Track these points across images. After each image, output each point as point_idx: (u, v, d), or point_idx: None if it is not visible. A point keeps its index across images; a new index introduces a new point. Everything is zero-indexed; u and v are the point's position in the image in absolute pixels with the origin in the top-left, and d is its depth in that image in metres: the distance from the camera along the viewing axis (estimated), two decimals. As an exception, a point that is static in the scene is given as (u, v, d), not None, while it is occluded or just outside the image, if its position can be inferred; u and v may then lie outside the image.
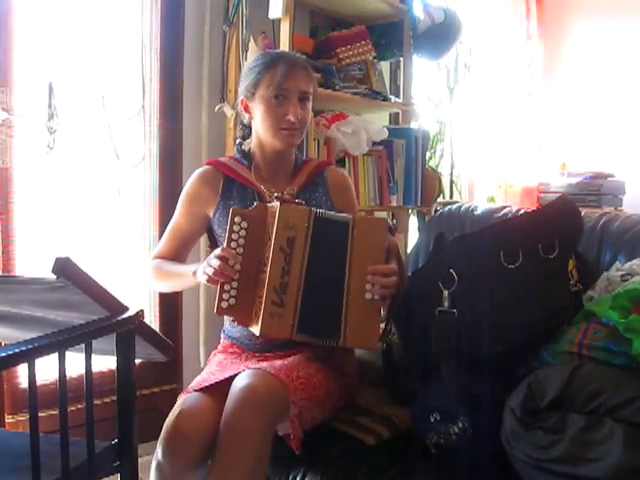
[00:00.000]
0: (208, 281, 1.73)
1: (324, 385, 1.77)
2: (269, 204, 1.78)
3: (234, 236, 1.74)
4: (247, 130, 2.04)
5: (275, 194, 1.82)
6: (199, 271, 1.76)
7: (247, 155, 2.01)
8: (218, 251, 1.71)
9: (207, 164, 2.03)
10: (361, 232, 1.73)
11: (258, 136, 1.96)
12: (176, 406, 1.71)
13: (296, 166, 2.02)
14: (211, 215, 1.96)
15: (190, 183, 2.00)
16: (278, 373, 1.68)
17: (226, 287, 1.73)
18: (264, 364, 1.75)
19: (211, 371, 1.84)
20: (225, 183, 1.96)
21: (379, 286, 1.71)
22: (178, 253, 2.01)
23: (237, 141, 2.08)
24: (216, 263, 1.69)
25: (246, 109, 1.95)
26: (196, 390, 1.75)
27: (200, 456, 1.64)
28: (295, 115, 1.87)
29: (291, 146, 1.95)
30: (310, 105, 1.94)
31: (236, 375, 1.71)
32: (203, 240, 2.10)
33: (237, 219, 1.74)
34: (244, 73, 1.96)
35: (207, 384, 1.74)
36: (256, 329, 1.72)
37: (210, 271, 1.70)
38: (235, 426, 1.60)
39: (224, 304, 1.73)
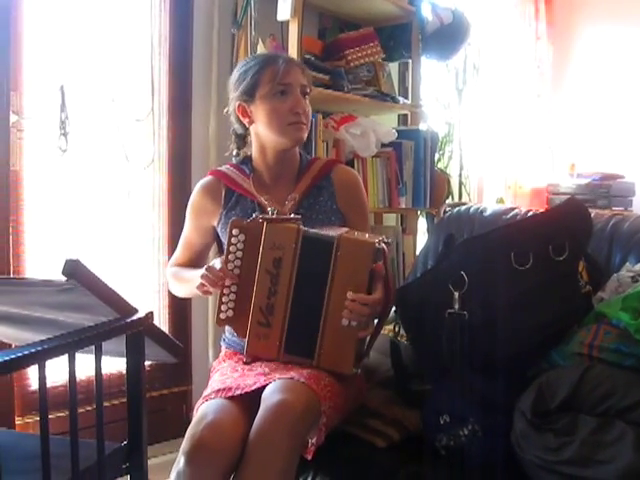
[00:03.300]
0: (204, 293, 1.78)
1: (344, 391, 1.75)
2: (259, 219, 1.75)
3: (232, 248, 1.73)
4: (240, 140, 2.02)
5: (269, 209, 1.82)
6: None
7: (247, 163, 1.98)
8: (216, 263, 1.73)
9: (209, 174, 2.01)
10: (345, 254, 1.68)
11: (260, 140, 1.93)
12: (198, 415, 1.62)
13: (301, 167, 1.98)
14: (215, 225, 1.96)
15: (194, 195, 2.00)
16: (311, 383, 1.63)
17: (224, 299, 1.74)
18: (292, 372, 1.68)
19: (227, 377, 1.76)
20: (226, 193, 1.95)
21: (356, 314, 1.67)
22: (193, 261, 2.02)
23: (234, 153, 2.05)
24: (211, 275, 1.71)
25: (244, 114, 1.91)
26: (217, 398, 1.67)
27: (226, 469, 1.56)
28: (302, 107, 1.87)
29: (300, 141, 1.91)
30: (308, 101, 1.92)
31: (262, 385, 1.64)
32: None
33: (235, 231, 1.73)
34: (236, 78, 1.92)
35: (232, 394, 1.66)
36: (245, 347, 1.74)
37: (205, 282, 1.73)
38: (267, 443, 1.53)
39: (222, 315, 1.75)
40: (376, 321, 1.78)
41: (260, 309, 1.69)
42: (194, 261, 2.02)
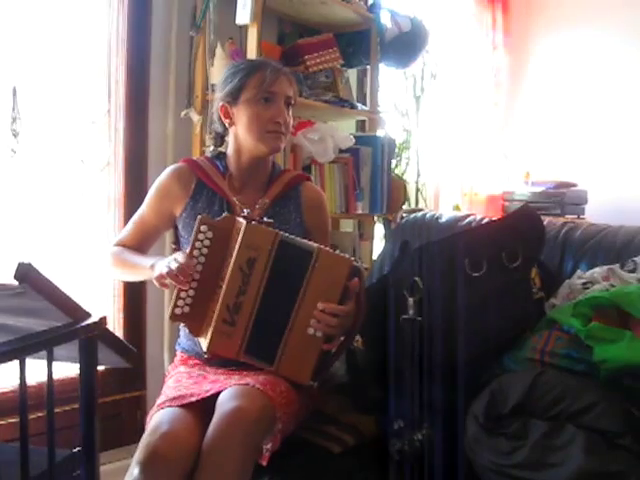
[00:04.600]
0: (161, 285, 1.72)
1: (299, 398, 1.75)
2: (238, 218, 1.75)
3: (197, 244, 1.72)
4: (219, 140, 2.02)
5: (245, 210, 1.80)
6: (156, 269, 1.74)
7: (222, 160, 1.98)
8: (179, 255, 1.70)
9: (183, 162, 2.00)
10: (322, 266, 1.68)
11: (238, 142, 1.93)
12: (152, 425, 1.61)
13: (272, 176, 1.99)
14: (177, 214, 1.94)
15: (162, 178, 1.98)
16: (266, 389, 1.63)
17: (182, 294, 1.72)
18: (247, 379, 1.68)
19: (182, 384, 1.75)
20: (197, 185, 1.94)
21: (324, 324, 1.67)
22: (140, 244, 1.98)
23: (211, 148, 2.05)
24: (174, 266, 1.67)
25: (226, 115, 1.92)
26: (171, 406, 1.66)
27: (180, 479, 1.55)
28: (283, 117, 1.88)
29: (276, 150, 1.93)
30: (291, 112, 1.94)
31: (217, 392, 1.64)
32: (168, 235, 2.08)
33: (203, 228, 1.72)
34: (224, 78, 1.93)
35: (186, 401, 1.65)
36: (204, 344, 1.72)
37: (166, 273, 1.68)
38: (221, 449, 1.53)
39: (178, 310, 1.73)
40: (342, 338, 1.76)
41: (227, 307, 1.67)
42: (142, 243, 1.99)
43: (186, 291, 1.72)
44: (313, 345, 1.70)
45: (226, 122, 1.94)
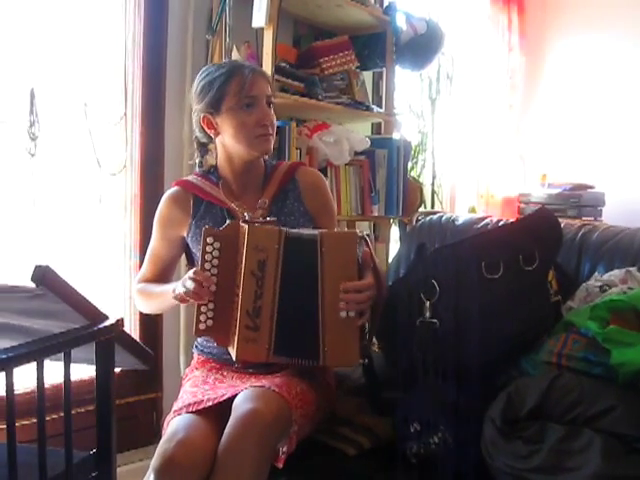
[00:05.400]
0: (181, 300, 1.73)
1: (316, 400, 1.75)
2: (241, 222, 1.75)
3: (207, 257, 1.72)
4: (204, 148, 2.01)
5: (246, 214, 1.80)
6: (176, 291, 1.75)
7: (213, 171, 1.98)
8: (191, 273, 1.70)
9: (175, 184, 2.00)
10: (330, 248, 1.68)
11: (227, 150, 1.92)
12: (169, 432, 1.61)
13: (266, 173, 1.98)
14: (185, 235, 1.94)
15: (161, 206, 1.98)
16: (282, 391, 1.63)
17: (203, 308, 1.72)
18: (263, 381, 1.69)
19: (199, 390, 1.76)
20: (195, 203, 1.93)
21: (353, 303, 1.67)
22: (161, 277, 2.00)
23: (197, 160, 2.03)
24: (190, 285, 1.68)
25: (209, 126, 1.90)
26: (187, 412, 1.66)
27: None
28: (269, 119, 1.88)
29: (267, 152, 1.92)
30: (273, 110, 1.93)
31: (233, 395, 1.65)
32: (183, 258, 2.10)
33: (209, 239, 1.72)
34: (200, 89, 1.90)
35: (202, 406, 1.66)
36: (233, 353, 1.72)
37: (183, 291, 1.69)
38: (237, 452, 1.54)
39: (202, 325, 1.73)
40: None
41: (247, 313, 1.68)
42: (162, 276, 2.00)
43: (206, 305, 1.72)
44: (350, 326, 1.69)
45: (210, 133, 1.92)
